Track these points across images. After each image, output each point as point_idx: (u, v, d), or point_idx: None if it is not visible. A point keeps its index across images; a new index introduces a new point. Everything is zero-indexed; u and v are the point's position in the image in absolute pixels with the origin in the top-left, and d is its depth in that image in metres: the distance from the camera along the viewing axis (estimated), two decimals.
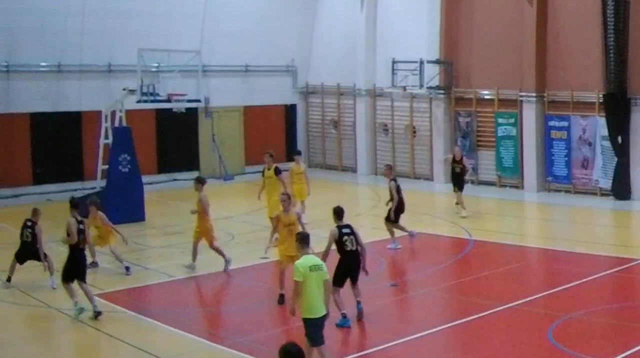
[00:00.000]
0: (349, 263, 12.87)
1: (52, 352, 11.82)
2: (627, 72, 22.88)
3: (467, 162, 22.69)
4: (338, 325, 12.42)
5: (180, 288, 15.04)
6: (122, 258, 15.87)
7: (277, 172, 18.71)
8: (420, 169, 28.70)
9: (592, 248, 17.45)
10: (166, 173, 28.30)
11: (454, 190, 22.02)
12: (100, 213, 15.96)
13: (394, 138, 29.51)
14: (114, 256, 15.90)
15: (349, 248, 12.82)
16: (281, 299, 13.71)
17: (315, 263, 10.04)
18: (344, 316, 12.59)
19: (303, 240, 10.39)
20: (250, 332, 12.22)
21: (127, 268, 15.73)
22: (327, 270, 10.26)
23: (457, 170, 21.92)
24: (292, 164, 21.05)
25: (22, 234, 15.06)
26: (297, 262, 10.11)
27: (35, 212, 15.12)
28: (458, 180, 21.94)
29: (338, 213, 12.97)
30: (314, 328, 9.97)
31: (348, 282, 12.78)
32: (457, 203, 21.83)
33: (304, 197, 20.35)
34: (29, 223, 15.00)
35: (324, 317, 10.06)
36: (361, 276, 12.88)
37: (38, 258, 14.96)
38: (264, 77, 30.82)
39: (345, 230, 12.87)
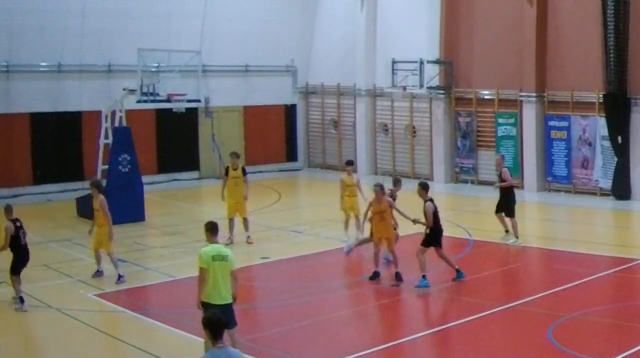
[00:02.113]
0: (440, 230, 14.84)
1: (52, 352, 11.82)
2: (627, 72, 22.88)
3: (507, 174, 18.47)
4: (417, 286, 14.25)
5: (180, 288, 15.02)
6: (117, 265, 15.28)
7: (244, 172, 18.53)
8: (420, 169, 28.69)
9: (592, 248, 17.44)
10: (166, 173, 28.32)
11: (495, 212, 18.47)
12: (101, 196, 15.31)
13: (394, 138, 29.51)
14: (111, 261, 15.34)
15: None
16: (374, 275, 15.00)
17: (219, 254, 10.36)
18: (424, 277, 14.34)
19: (211, 229, 10.62)
20: (250, 332, 12.22)
21: (120, 277, 15.14)
22: (235, 261, 10.48)
23: (497, 186, 18.55)
24: (343, 175, 18.89)
25: (18, 238, 13.43)
26: (202, 250, 10.44)
27: (11, 209, 13.71)
28: (501, 199, 18.34)
29: (425, 187, 14.77)
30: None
31: None
32: (507, 232, 18.30)
33: (357, 212, 18.16)
34: (19, 224, 13.54)
35: (224, 306, 10.14)
36: None
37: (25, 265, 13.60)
38: (264, 77, 30.83)
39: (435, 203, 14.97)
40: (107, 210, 15.20)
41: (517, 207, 18.35)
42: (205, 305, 10.26)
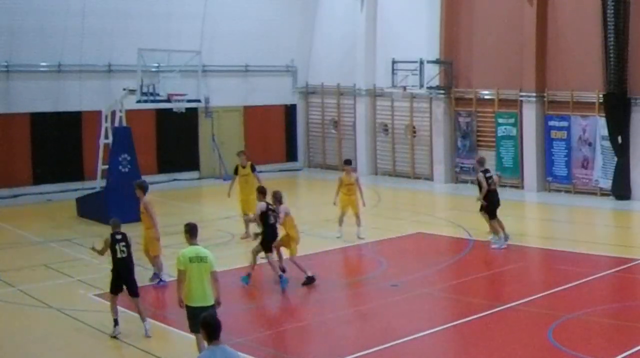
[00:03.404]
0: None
1: (52, 351, 11.81)
2: (627, 72, 22.87)
3: (482, 179, 18.11)
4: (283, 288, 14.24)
5: None
6: (161, 268, 15.07)
7: (253, 169, 18.82)
8: (420, 169, 28.71)
9: (592, 248, 17.43)
10: (166, 173, 28.31)
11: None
12: (146, 198, 14.87)
13: (394, 138, 29.51)
14: (153, 263, 15.15)
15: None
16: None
17: (198, 255, 10.38)
18: (281, 277, 14.18)
19: (190, 231, 10.65)
20: (250, 332, 12.22)
21: (156, 277, 15.05)
22: (215, 263, 10.47)
23: (479, 199, 18.23)
24: (342, 175, 19.06)
25: (114, 251, 12.24)
26: (180, 252, 10.50)
27: (118, 223, 12.51)
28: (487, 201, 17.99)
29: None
30: (190, 315, 10.32)
31: None
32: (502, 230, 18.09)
33: (356, 210, 18.63)
34: (119, 237, 12.28)
35: (203, 308, 9.97)
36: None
37: (132, 280, 12.40)
38: (264, 77, 30.84)
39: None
40: (152, 211, 14.78)
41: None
42: (186, 307, 10.34)
